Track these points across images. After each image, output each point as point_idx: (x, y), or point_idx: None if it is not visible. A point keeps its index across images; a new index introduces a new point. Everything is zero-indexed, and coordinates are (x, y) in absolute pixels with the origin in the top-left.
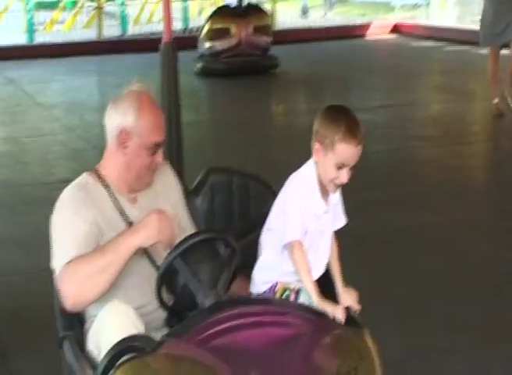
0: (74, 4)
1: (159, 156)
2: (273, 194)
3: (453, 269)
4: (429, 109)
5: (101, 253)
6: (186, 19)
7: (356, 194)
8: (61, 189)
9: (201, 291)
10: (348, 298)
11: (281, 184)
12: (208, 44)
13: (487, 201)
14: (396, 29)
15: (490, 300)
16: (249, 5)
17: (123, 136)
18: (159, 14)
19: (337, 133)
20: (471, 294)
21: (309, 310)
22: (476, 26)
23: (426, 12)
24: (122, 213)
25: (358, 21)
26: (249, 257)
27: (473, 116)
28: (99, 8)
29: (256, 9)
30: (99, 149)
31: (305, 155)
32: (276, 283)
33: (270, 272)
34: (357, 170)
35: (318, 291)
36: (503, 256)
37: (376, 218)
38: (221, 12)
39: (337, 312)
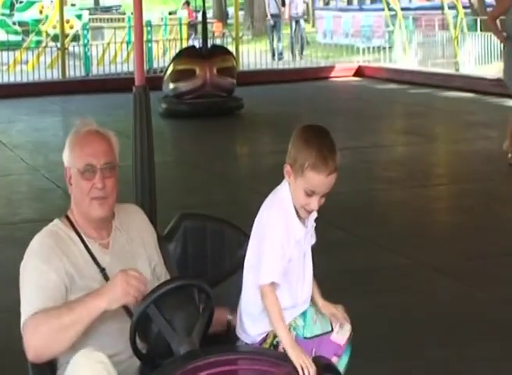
0: (38, 44)
1: (98, 181)
2: (247, 239)
3: (417, 310)
4: (393, 151)
5: (68, 310)
6: (149, 60)
7: (317, 234)
8: (25, 229)
9: (176, 338)
10: (331, 308)
11: (248, 226)
12: (172, 85)
13: (451, 244)
14: (359, 71)
15: (456, 340)
16: (213, 46)
17: (66, 173)
18: (122, 55)
19: (307, 159)
20: (438, 334)
21: (285, 358)
22: (438, 69)
23: (389, 54)
24: (94, 260)
25: (322, 63)
26: (225, 303)
27: (437, 159)
28: (63, 49)
29: (221, 50)
30: (64, 190)
31: (268, 195)
32: (268, 333)
33: (261, 321)
34: (318, 210)
35: (290, 338)
36: (466, 296)
37: (337, 258)
38: (186, 53)
39: (309, 368)
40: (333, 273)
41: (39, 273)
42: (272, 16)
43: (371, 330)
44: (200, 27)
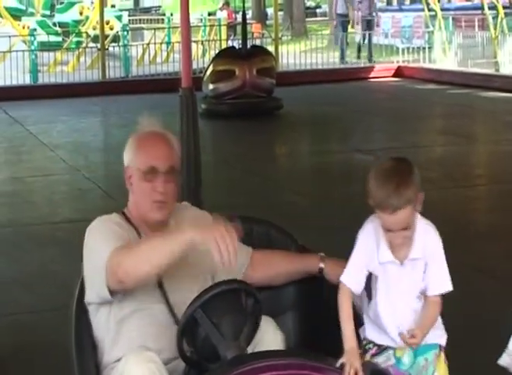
0: (78, 45)
1: (159, 185)
2: (292, 240)
3: (462, 310)
4: (432, 152)
5: (157, 241)
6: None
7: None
8: (66, 229)
9: (223, 343)
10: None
11: (290, 227)
12: (211, 86)
13: (492, 244)
14: (399, 72)
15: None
16: (253, 46)
17: (128, 174)
18: (162, 55)
19: (372, 199)
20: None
21: (331, 362)
22: (478, 70)
23: (429, 55)
24: None
25: (362, 64)
26: (274, 307)
27: (476, 159)
28: (103, 50)
29: (260, 51)
30: (104, 189)
31: (310, 197)
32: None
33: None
34: (354, 214)
35: (352, 341)
36: (509, 296)
37: None
38: (225, 54)
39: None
40: None
41: (108, 230)
42: (339, 15)
43: None
44: (239, 28)
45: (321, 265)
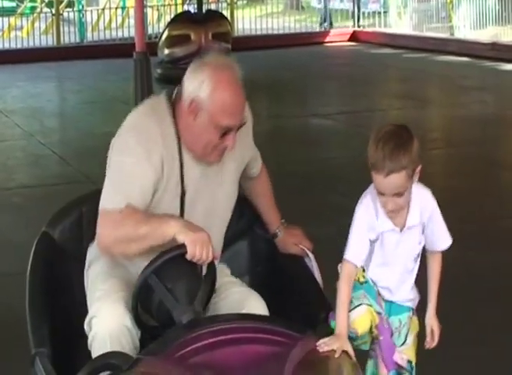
0: (32, 10)
1: (230, 140)
2: (246, 208)
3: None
4: (388, 116)
5: (145, 222)
6: (145, 26)
7: (315, 198)
8: (21, 194)
9: (178, 307)
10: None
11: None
12: (167, 51)
13: (446, 207)
14: (354, 36)
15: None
16: (208, 11)
17: (194, 106)
18: (117, 21)
19: (369, 160)
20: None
21: (292, 327)
22: (432, 34)
23: (384, 19)
24: (181, 169)
25: (317, 28)
26: (235, 266)
27: (432, 123)
28: (57, 15)
29: (215, 16)
30: (59, 155)
31: (266, 161)
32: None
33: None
34: (314, 176)
35: (343, 327)
36: (466, 258)
37: (337, 223)
38: (180, 19)
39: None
40: (333, 235)
41: (137, 166)
42: None
43: None
44: None
45: (277, 231)
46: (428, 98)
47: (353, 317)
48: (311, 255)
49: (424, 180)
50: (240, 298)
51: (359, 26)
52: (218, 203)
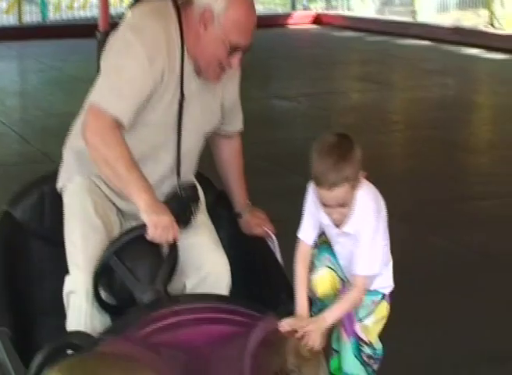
0: None
1: (235, 60)
2: (211, 185)
3: None
4: (349, 98)
5: (127, 173)
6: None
7: (278, 179)
8: None
9: (139, 287)
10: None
11: (209, 173)
12: None
13: (405, 189)
14: (317, 19)
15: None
16: None
17: (206, 16)
18: (80, 1)
19: (311, 172)
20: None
21: (254, 307)
22: (395, 17)
23: (347, 2)
24: (182, 77)
25: (280, 10)
26: None
27: (393, 105)
28: None
29: None
30: (19, 134)
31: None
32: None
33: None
34: (276, 157)
35: (303, 307)
36: (426, 242)
37: (296, 203)
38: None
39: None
40: (295, 216)
41: (139, 70)
42: None
43: None
44: None
45: (242, 211)
46: (389, 81)
47: (313, 278)
48: (274, 237)
49: (385, 162)
50: (202, 251)
51: (327, 9)
52: (202, 122)
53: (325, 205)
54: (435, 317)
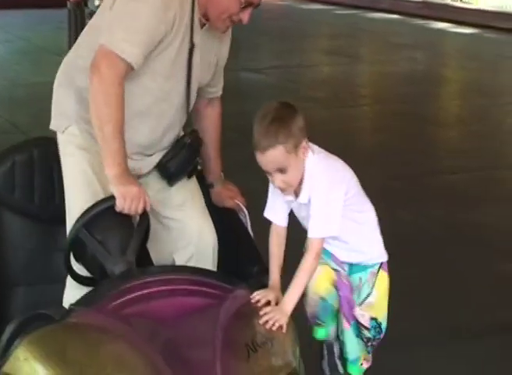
0: None
1: (246, 15)
2: None
3: None
4: (319, 71)
5: (112, 137)
6: None
7: (247, 151)
8: None
9: (110, 259)
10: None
11: None
12: (97, 2)
13: (373, 164)
14: None
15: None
16: None
17: None
18: None
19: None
20: None
21: (226, 280)
22: None
23: None
24: (192, 25)
25: None
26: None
27: (362, 79)
28: None
29: None
30: None
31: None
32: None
33: None
34: (245, 129)
35: (276, 278)
36: (395, 217)
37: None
38: None
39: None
40: (264, 188)
41: (151, 12)
42: None
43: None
44: None
45: (215, 182)
46: (358, 55)
47: (313, 280)
48: (245, 210)
49: (354, 136)
50: (194, 228)
51: None
52: (201, 72)
53: (266, 172)
54: (405, 291)
